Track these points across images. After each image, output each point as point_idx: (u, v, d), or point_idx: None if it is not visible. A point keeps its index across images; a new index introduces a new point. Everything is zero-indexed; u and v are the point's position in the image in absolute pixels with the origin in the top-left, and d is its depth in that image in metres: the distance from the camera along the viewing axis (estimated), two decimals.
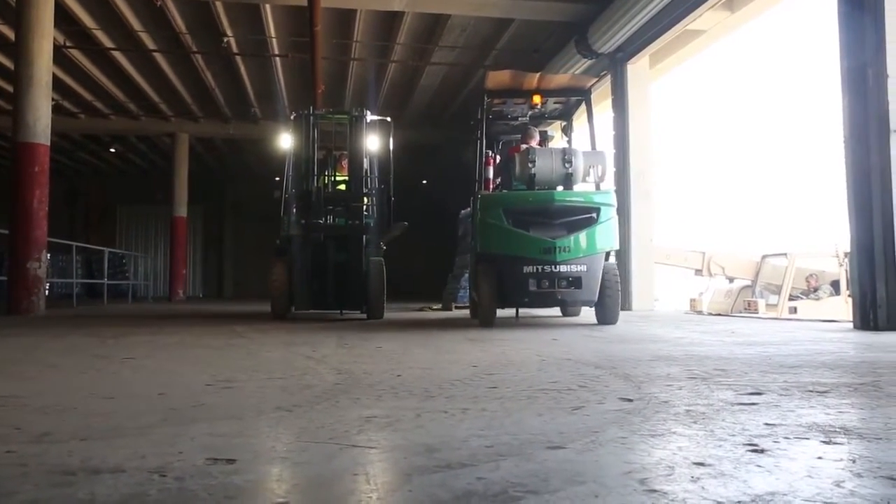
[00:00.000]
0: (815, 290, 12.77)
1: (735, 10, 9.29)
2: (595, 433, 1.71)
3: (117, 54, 12.13)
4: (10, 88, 10.97)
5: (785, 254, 13.06)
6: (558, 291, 5.91)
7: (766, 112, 42.14)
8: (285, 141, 8.67)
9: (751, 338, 4.70)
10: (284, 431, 1.79)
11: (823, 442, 1.61)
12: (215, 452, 1.52)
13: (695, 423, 1.84)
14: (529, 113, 7.08)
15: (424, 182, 19.72)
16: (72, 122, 15.96)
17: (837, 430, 1.74)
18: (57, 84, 11.35)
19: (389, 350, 4.03)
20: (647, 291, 9.90)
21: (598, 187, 6.39)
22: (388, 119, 8.36)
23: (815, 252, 13.15)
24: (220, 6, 10.25)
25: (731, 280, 14.03)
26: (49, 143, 8.78)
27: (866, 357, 3.50)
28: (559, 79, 6.89)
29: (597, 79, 8.46)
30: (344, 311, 7.90)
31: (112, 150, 19.61)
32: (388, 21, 10.92)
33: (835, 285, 12.44)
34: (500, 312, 6.46)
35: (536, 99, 6.64)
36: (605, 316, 6.17)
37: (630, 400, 2.19)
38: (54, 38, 9.14)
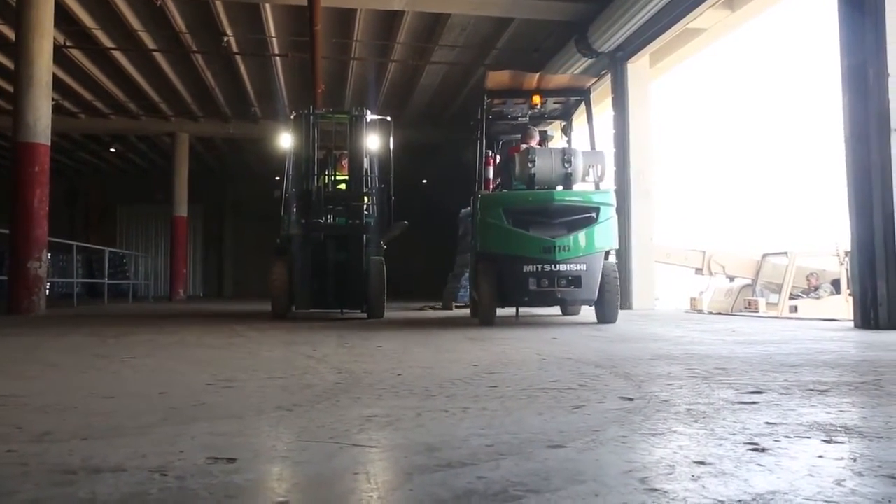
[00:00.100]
0: (816, 288, 12.77)
1: (735, 8, 9.29)
2: (596, 432, 1.71)
3: (117, 54, 12.13)
4: (10, 88, 10.97)
5: (785, 252, 13.06)
6: (558, 290, 5.94)
7: (766, 111, 42.14)
8: (285, 140, 8.67)
9: (751, 337, 4.70)
10: (285, 430, 1.79)
11: (824, 441, 1.61)
12: (216, 451, 1.52)
13: (695, 421, 1.84)
14: (529, 113, 7.10)
15: (424, 181, 19.72)
16: (72, 122, 15.97)
17: (838, 428, 1.74)
18: (57, 84, 11.34)
19: (390, 349, 4.04)
20: (648, 290, 9.89)
21: (597, 187, 6.41)
22: (389, 118, 8.36)
23: (816, 251, 13.16)
24: (219, 5, 10.25)
25: (731, 279, 14.03)
26: (49, 143, 8.78)
27: (867, 356, 3.50)
28: (559, 79, 6.93)
29: (596, 79, 8.48)
30: (344, 311, 7.90)
31: (112, 149, 19.61)
32: (388, 20, 10.92)
33: (835, 284, 12.43)
34: (500, 311, 6.47)
35: (536, 99, 6.67)
36: (605, 315, 6.20)
37: (630, 399, 2.19)
38: (54, 38, 9.14)
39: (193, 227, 21.18)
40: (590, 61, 10.45)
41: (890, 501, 1.17)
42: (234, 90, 14.35)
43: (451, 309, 10.08)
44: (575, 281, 5.90)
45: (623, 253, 9.56)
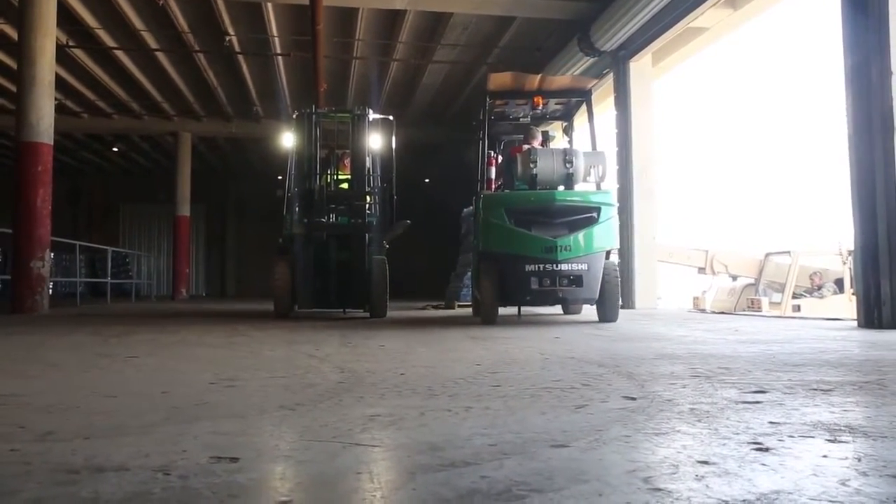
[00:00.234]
0: (819, 287, 12.74)
1: (738, 7, 9.27)
2: (599, 431, 1.71)
3: (120, 53, 12.14)
4: (13, 88, 10.97)
5: (788, 252, 13.03)
6: (560, 290, 5.99)
7: (769, 109, 42.06)
8: (287, 140, 8.67)
9: (754, 336, 4.69)
10: (288, 430, 1.79)
11: (828, 440, 1.61)
12: (219, 451, 1.52)
13: (699, 421, 1.83)
14: (531, 114, 7.14)
15: (427, 180, 19.71)
16: (75, 122, 15.99)
17: (842, 428, 1.73)
18: (60, 83, 11.37)
19: (392, 348, 4.04)
20: (650, 290, 9.88)
21: (598, 187, 6.47)
22: (391, 117, 8.36)
23: (819, 250, 13.13)
24: (221, 5, 10.25)
25: (734, 278, 14.01)
26: (52, 143, 8.80)
27: (871, 355, 3.49)
28: (560, 80, 7.00)
29: (597, 80, 8.51)
30: (346, 310, 7.90)
31: (115, 149, 19.63)
32: (390, 19, 10.92)
33: (838, 283, 12.40)
34: (502, 310, 6.48)
35: (538, 100, 6.70)
36: (606, 313, 6.26)
37: (634, 398, 2.19)
38: (57, 38, 9.15)
39: (196, 227, 21.20)
40: (592, 60, 10.44)
41: (895, 502, 1.17)
42: (237, 89, 14.36)
43: (453, 308, 10.08)
44: (576, 280, 5.95)
45: (625, 252, 9.56)
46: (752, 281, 13.72)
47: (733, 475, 1.32)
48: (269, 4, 10.15)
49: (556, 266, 5.90)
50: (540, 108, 6.90)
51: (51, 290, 9.96)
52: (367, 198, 7.69)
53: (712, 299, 13.56)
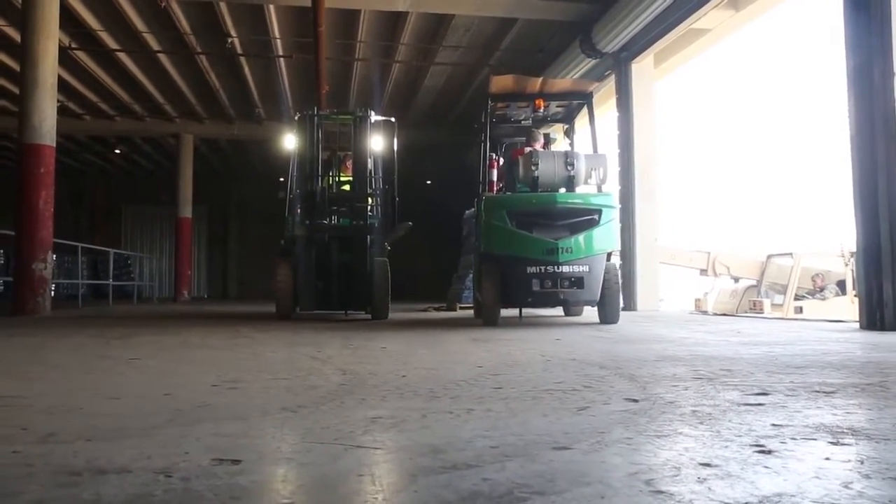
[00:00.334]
0: (821, 289, 12.71)
1: (740, 8, 9.27)
2: (601, 434, 1.70)
3: (122, 55, 12.16)
4: (15, 90, 11.00)
5: (790, 253, 13.02)
6: (561, 291, 6.02)
7: (771, 111, 42.04)
8: (289, 141, 8.67)
9: (756, 338, 4.69)
10: (290, 432, 1.79)
11: (831, 443, 1.60)
12: (221, 453, 1.52)
13: (701, 423, 1.83)
14: (532, 116, 7.17)
15: (429, 182, 19.71)
16: (77, 124, 16.01)
17: (845, 430, 1.73)
18: (62, 85, 11.39)
19: (394, 350, 4.04)
20: (652, 291, 9.87)
21: (599, 189, 6.52)
22: (393, 119, 8.37)
23: (821, 251, 13.12)
24: (224, 7, 10.27)
25: (736, 280, 14.00)
26: (54, 145, 8.81)
27: (873, 357, 3.48)
28: (561, 83, 7.08)
29: (597, 83, 8.55)
30: (348, 312, 7.90)
31: (117, 151, 19.66)
32: (392, 21, 10.93)
33: (841, 285, 12.39)
34: (504, 312, 6.50)
35: (539, 103, 6.73)
36: (607, 315, 6.30)
37: (636, 400, 2.19)
38: (59, 40, 9.16)
39: (198, 228, 21.23)
40: (594, 62, 10.44)
41: None
42: (239, 91, 14.38)
43: (455, 310, 10.08)
44: (577, 282, 5.98)
45: (627, 254, 9.56)
46: (755, 283, 13.70)
47: (736, 477, 1.32)
48: (272, 6, 10.17)
49: (558, 268, 5.93)
50: (541, 110, 6.95)
51: (53, 292, 9.98)
52: (369, 199, 7.70)
53: (714, 301, 13.54)
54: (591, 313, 7.00)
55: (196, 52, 12.01)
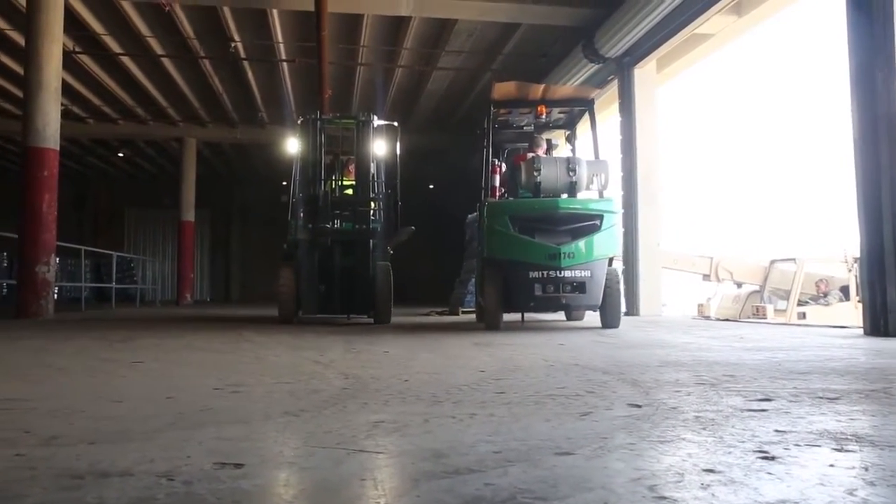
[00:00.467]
0: (825, 295, 12.68)
1: (743, 14, 9.27)
2: (603, 439, 1.70)
3: (126, 59, 12.20)
4: (19, 93, 11.05)
5: (794, 259, 12.98)
6: (563, 296, 6.05)
7: (774, 115, 42.02)
8: (292, 145, 8.68)
9: (760, 343, 4.67)
10: (292, 436, 1.79)
11: (835, 449, 1.60)
12: (223, 457, 1.52)
13: (704, 429, 1.83)
14: (534, 122, 7.19)
15: (431, 187, 19.73)
16: (81, 127, 16.07)
17: (849, 437, 1.72)
18: (66, 89, 11.40)
19: (396, 355, 4.03)
20: (655, 296, 9.86)
21: (601, 195, 6.55)
22: (395, 124, 8.38)
23: (825, 257, 13.08)
24: (227, 11, 10.31)
25: (739, 285, 13.97)
26: (58, 148, 8.83)
27: (877, 363, 3.47)
28: (564, 90, 7.13)
29: (599, 89, 8.57)
30: (351, 316, 7.90)
31: (120, 154, 19.72)
32: (395, 26, 10.96)
33: (844, 290, 12.35)
34: (506, 317, 6.50)
35: (541, 109, 6.76)
36: (608, 320, 6.34)
37: (638, 406, 2.18)
38: (63, 44, 9.20)
39: (201, 232, 21.27)
40: (596, 67, 10.45)
41: None
42: (242, 95, 14.42)
43: (457, 314, 10.08)
44: (579, 287, 6.01)
45: (630, 258, 9.55)
46: (757, 288, 13.67)
47: (739, 484, 1.31)
48: (275, 11, 10.20)
49: (560, 273, 5.95)
50: (543, 116, 6.98)
51: (56, 295, 10.00)
52: (372, 204, 7.71)
53: (717, 306, 13.51)
54: (592, 318, 7.00)
55: (199, 57, 12.04)
